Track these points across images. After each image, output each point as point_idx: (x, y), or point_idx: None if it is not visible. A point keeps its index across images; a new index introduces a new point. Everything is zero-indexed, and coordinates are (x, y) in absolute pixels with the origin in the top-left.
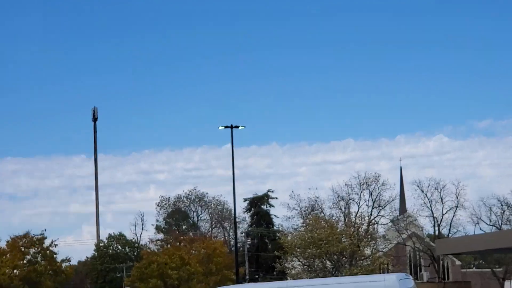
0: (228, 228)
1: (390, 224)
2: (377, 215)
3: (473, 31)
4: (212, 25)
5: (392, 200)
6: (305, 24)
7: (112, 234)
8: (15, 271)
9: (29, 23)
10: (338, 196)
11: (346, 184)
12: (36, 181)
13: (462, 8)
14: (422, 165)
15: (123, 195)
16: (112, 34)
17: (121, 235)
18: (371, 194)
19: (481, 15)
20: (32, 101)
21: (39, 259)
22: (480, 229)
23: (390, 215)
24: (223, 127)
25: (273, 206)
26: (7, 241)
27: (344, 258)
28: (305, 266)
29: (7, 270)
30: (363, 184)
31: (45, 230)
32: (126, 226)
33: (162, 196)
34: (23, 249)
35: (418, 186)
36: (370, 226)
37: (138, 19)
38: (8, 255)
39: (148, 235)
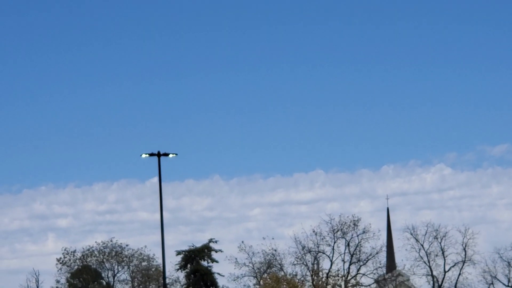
0: None
1: (374, 285)
2: (357, 273)
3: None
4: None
5: (377, 253)
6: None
7: None
8: None
9: None
10: (304, 248)
11: (314, 231)
12: None
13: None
14: (417, 206)
15: (11, 248)
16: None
17: None
18: (348, 244)
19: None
20: None
21: None
22: None
23: (375, 273)
24: (147, 155)
25: (217, 262)
26: None
27: None
28: None
29: None
30: (337, 231)
31: None
32: None
33: (65, 249)
34: None
35: (411, 234)
36: None
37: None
38: None
39: None
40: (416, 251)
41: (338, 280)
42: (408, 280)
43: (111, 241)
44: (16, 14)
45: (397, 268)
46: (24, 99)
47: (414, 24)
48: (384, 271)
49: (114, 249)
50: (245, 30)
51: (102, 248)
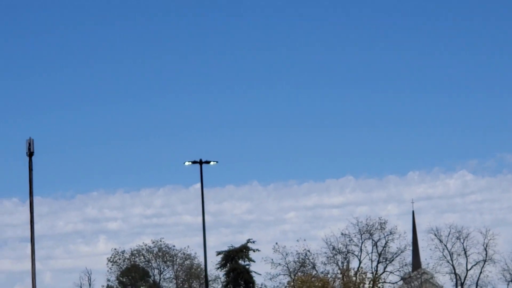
0: None
1: (400, 282)
2: (384, 271)
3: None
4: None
5: (402, 252)
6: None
7: None
8: None
9: None
10: (334, 249)
11: (342, 233)
12: None
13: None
14: (441, 209)
15: (66, 249)
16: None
17: None
18: (375, 245)
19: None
20: None
21: None
22: None
23: (400, 271)
24: (190, 163)
25: (254, 261)
26: None
27: None
28: None
29: None
30: (364, 233)
31: None
32: (69, 287)
33: (115, 249)
34: None
35: (435, 235)
36: (375, 286)
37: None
38: None
39: None
40: (440, 251)
41: (365, 278)
42: (432, 278)
43: (160, 240)
44: (61, 26)
45: (422, 267)
46: (74, 111)
47: (437, 36)
48: (410, 270)
49: (161, 249)
50: (277, 43)
51: (150, 247)
